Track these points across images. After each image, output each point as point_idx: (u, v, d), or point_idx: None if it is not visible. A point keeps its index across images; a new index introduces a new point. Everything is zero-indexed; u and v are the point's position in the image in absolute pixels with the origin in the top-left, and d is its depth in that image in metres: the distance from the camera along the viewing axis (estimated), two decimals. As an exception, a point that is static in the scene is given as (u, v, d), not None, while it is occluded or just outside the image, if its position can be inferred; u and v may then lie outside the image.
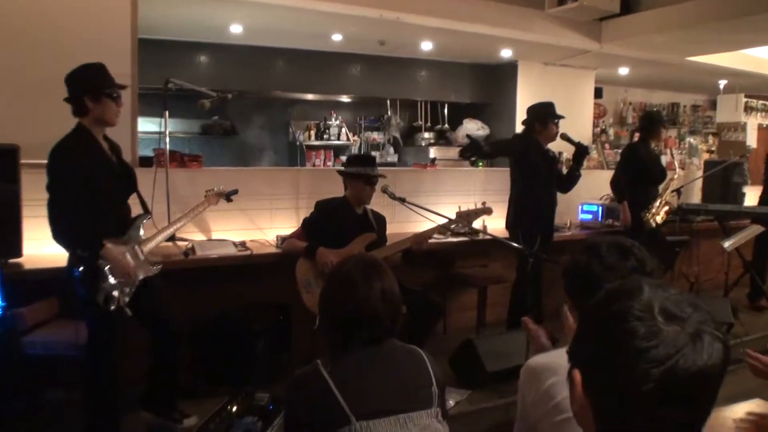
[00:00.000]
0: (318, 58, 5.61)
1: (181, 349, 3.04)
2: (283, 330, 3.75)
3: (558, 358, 1.38)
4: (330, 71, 5.75)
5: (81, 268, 2.61)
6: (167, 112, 3.80)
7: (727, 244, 4.55)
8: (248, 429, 2.83)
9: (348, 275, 1.61)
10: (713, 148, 7.97)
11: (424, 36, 5.11)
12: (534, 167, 4.18)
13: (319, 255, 3.41)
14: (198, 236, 3.92)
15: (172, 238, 3.48)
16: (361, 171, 3.59)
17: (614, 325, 0.76)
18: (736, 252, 4.92)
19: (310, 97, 6.30)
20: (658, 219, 4.85)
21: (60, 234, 2.61)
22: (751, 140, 7.64)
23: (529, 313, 3.33)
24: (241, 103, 5.99)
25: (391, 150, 6.74)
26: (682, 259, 5.32)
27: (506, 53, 5.66)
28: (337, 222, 3.55)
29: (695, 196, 6.45)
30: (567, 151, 4.99)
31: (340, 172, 3.72)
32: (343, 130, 6.59)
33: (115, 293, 2.67)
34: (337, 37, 5.07)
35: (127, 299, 2.71)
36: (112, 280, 2.66)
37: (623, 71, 6.49)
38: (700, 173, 6.53)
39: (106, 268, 2.64)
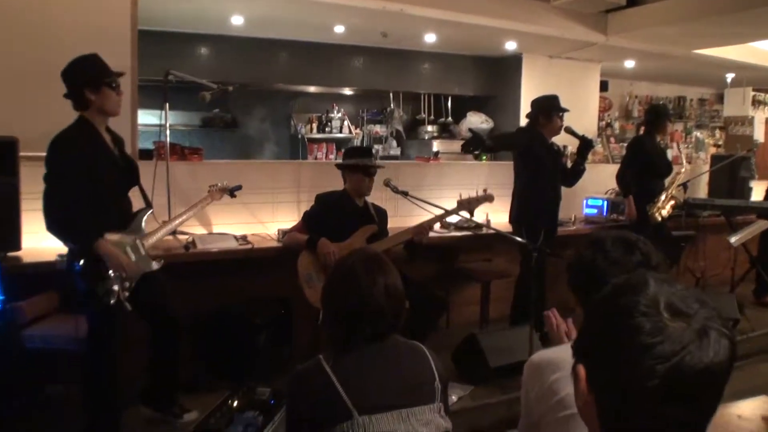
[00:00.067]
0: (320, 50, 5.57)
1: (181, 343, 3.03)
2: (284, 324, 3.73)
3: (562, 353, 1.37)
4: (332, 63, 5.71)
5: (81, 262, 2.59)
6: (167, 105, 3.77)
7: (733, 239, 4.52)
8: (249, 424, 2.82)
9: (351, 270, 1.60)
10: (720, 143, 7.91)
11: (427, 28, 5.07)
12: (538, 161, 4.14)
13: (321, 246, 3.39)
14: (199, 230, 3.90)
15: (173, 231, 3.46)
16: (358, 162, 3.57)
17: (619, 321, 0.74)
18: (742, 247, 4.88)
19: (312, 89, 6.26)
20: (664, 213, 4.82)
21: (54, 225, 2.59)
22: (759, 134, 7.57)
23: (533, 309, 3.33)
24: (242, 96, 5.95)
25: (394, 143, 6.71)
26: (688, 254, 5.29)
27: (511, 45, 5.61)
28: (338, 215, 3.53)
29: (702, 191, 6.41)
30: (572, 145, 4.94)
31: (338, 165, 3.70)
32: (346, 123, 6.55)
33: (115, 287, 2.65)
34: (339, 29, 5.03)
35: (127, 293, 2.69)
36: (112, 273, 2.64)
37: (629, 64, 6.44)
38: (706, 168, 6.48)
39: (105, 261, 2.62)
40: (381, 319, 1.57)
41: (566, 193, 4.45)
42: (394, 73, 6.01)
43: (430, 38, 5.36)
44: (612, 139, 6.77)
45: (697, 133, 7.90)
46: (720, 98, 8.15)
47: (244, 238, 3.80)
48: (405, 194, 3.64)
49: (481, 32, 5.03)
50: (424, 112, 6.77)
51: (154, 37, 4.69)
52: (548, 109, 4.16)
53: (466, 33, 5.12)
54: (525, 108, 4.82)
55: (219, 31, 5.10)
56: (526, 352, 3.15)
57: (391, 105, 6.65)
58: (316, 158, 6.24)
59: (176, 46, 5.05)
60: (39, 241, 3.13)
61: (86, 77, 2.66)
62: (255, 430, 2.78)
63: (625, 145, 5.68)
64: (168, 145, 3.76)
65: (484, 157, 5.68)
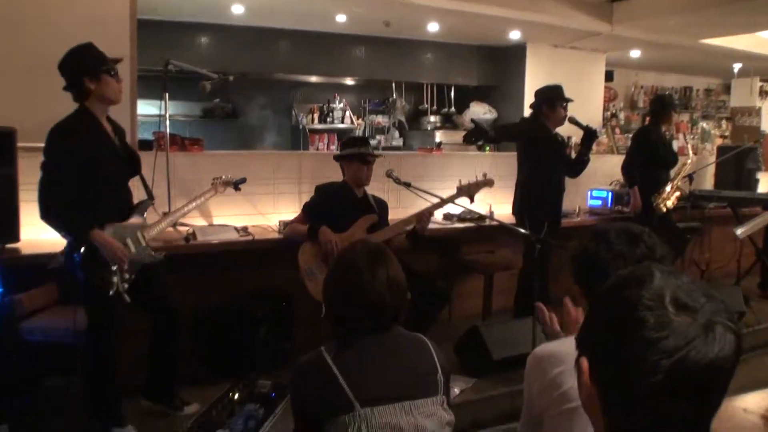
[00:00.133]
0: (322, 40, 5.52)
1: (181, 335, 3.01)
2: (285, 317, 3.71)
3: (565, 346, 1.35)
4: (334, 53, 5.67)
5: (82, 250, 2.56)
6: (167, 95, 3.73)
7: (739, 231, 4.48)
8: (250, 416, 2.81)
9: (353, 261, 1.60)
10: (726, 133, 7.85)
11: (430, 17, 5.02)
12: (541, 151, 4.11)
13: (322, 234, 3.37)
14: (199, 221, 3.88)
15: (173, 223, 3.43)
16: (355, 151, 3.55)
17: (623, 314, 0.74)
18: (748, 240, 4.84)
19: (313, 79, 6.22)
20: (669, 204, 4.79)
21: (49, 214, 2.57)
22: (766, 125, 7.52)
23: (536, 301, 3.30)
24: (242, 86, 5.91)
25: (396, 134, 6.68)
26: (693, 246, 5.25)
27: (515, 35, 5.56)
28: (338, 205, 3.52)
29: (708, 182, 6.36)
30: (576, 136, 4.90)
31: (335, 157, 3.68)
32: (347, 113, 6.51)
33: (114, 279, 2.63)
34: (341, 18, 4.99)
35: (126, 285, 2.67)
36: (111, 265, 2.62)
37: (635, 54, 6.38)
38: (712, 159, 6.43)
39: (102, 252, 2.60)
40: (383, 311, 1.56)
41: (570, 185, 4.41)
42: (396, 62, 5.96)
43: (433, 27, 5.31)
44: (617, 130, 6.72)
45: (704, 124, 7.84)
46: (727, 88, 8.09)
47: (244, 229, 3.78)
48: (407, 185, 3.61)
49: (484, 21, 4.98)
50: (427, 103, 6.73)
51: (154, 27, 4.66)
52: (552, 99, 4.12)
53: (470, 22, 5.07)
54: (529, 98, 4.76)
55: (219, 20, 5.05)
56: (529, 344, 3.13)
57: (394, 95, 6.62)
58: (317, 149, 6.20)
59: (176, 36, 5.01)
60: (38, 233, 3.11)
61: (84, 66, 2.63)
62: (256, 423, 2.77)
63: (630, 135, 5.63)
64: (168, 135, 3.72)
65: (488, 148, 5.64)
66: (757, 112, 7.44)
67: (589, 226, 3.53)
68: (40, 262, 2.95)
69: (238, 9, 4.69)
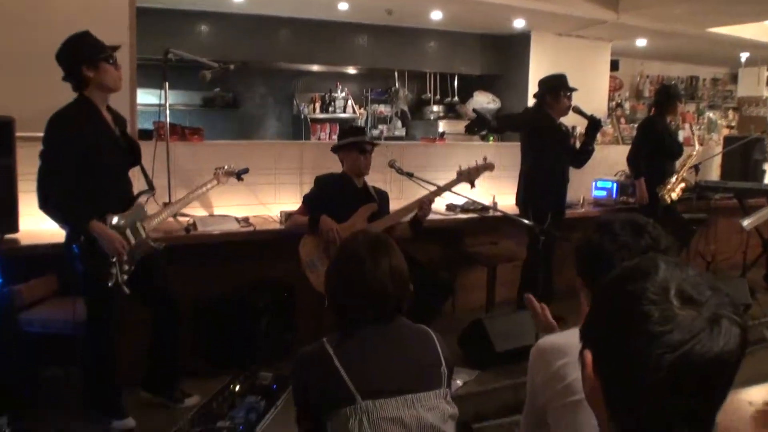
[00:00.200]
0: (323, 28, 5.46)
1: (182, 327, 3.00)
2: (287, 308, 3.70)
3: (569, 338, 1.34)
4: (336, 41, 5.60)
5: (82, 239, 2.55)
6: (167, 84, 3.70)
7: (746, 222, 4.45)
8: (251, 408, 2.80)
9: (355, 251, 1.59)
10: (733, 124, 7.77)
11: (433, 5, 4.96)
12: (545, 141, 4.08)
13: (323, 222, 3.36)
14: (199, 212, 3.85)
15: (174, 214, 3.42)
16: (352, 141, 3.53)
17: (627, 308, 0.73)
18: (755, 231, 4.80)
19: (315, 68, 6.17)
20: (674, 195, 4.75)
21: (47, 204, 2.55)
22: (773, 115, 7.42)
23: (540, 292, 3.27)
24: (243, 75, 5.88)
25: (399, 123, 6.64)
26: (698, 238, 5.21)
27: (519, 23, 5.50)
28: (338, 196, 3.50)
29: (714, 173, 6.31)
30: (580, 125, 4.85)
31: (333, 149, 3.66)
32: (349, 102, 6.46)
33: (113, 270, 2.61)
34: (343, 6, 4.93)
35: (125, 276, 2.65)
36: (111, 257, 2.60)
37: (640, 43, 6.30)
38: (719, 149, 6.37)
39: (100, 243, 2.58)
40: (385, 301, 1.55)
41: (575, 175, 4.37)
42: (399, 51, 5.89)
43: (436, 15, 5.25)
44: (622, 120, 6.65)
45: (710, 114, 7.76)
46: (734, 78, 8.00)
47: (245, 220, 3.75)
48: (410, 175, 3.59)
49: (488, 9, 4.92)
50: (430, 92, 6.67)
51: (153, 15, 4.60)
52: (556, 88, 4.08)
53: (473, 10, 5.01)
54: (533, 87, 4.72)
55: (220, 8, 5.00)
56: (532, 336, 3.10)
57: (396, 84, 6.56)
58: (319, 139, 6.16)
59: (176, 24, 4.96)
60: (37, 224, 3.09)
61: (82, 55, 2.61)
62: (257, 415, 2.77)
63: (636, 125, 5.57)
64: (168, 125, 3.70)
65: (491, 138, 5.60)
66: (765, 102, 7.36)
67: (593, 217, 3.51)
68: (40, 252, 2.94)
69: (238, -4, 4.65)
